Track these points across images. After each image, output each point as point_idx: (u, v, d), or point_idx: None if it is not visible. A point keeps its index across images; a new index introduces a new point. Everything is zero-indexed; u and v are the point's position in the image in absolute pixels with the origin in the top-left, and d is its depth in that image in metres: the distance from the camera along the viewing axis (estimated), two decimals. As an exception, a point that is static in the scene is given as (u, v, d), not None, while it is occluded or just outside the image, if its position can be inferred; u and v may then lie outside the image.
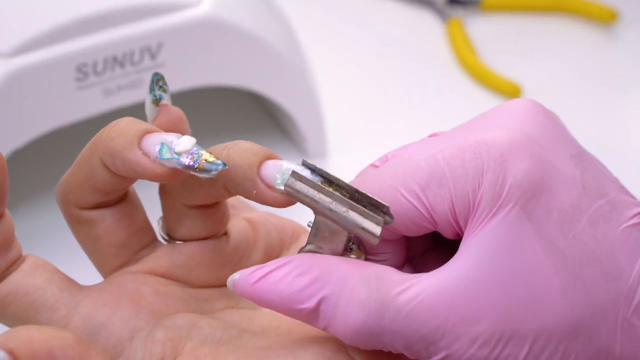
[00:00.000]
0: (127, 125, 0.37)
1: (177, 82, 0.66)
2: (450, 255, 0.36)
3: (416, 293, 0.35)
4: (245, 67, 0.68)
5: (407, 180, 0.36)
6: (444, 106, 0.82)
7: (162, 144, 0.36)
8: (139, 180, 0.38)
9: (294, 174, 0.36)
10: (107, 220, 0.39)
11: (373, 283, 0.35)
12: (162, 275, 0.40)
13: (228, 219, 0.40)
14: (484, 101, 0.82)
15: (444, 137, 0.37)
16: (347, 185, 0.36)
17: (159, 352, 0.37)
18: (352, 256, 0.37)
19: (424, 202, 0.36)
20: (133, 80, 0.65)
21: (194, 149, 0.36)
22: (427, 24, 0.90)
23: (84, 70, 0.63)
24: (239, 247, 0.40)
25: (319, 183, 0.36)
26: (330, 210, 0.36)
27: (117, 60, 0.64)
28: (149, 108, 0.39)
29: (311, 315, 0.36)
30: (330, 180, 0.37)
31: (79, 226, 0.39)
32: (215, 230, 0.40)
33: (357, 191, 0.36)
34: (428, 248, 0.40)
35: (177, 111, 0.39)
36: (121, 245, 0.39)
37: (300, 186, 0.36)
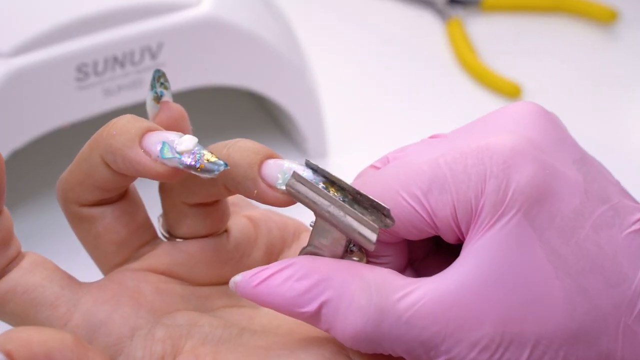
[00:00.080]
0: (128, 122, 0.37)
1: (177, 82, 0.66)
2: (452, 259, 0.36)
3: (417, 298, 0.35)
4: (245, 67, 0.68)
5: (409, 183, 0.36)
6: (444, 106, 0.82)
7: (164, 143, 0.36)
8: (139, 177, 0.38)
9: (295, 174, 0.36)
10: (107, 218, 0.39)
11: (373, 288, 0.35)
12: (163, 273, 0.40)
13: (228, 217, 0.40)
14: (484, 101, 0.82)
15: (445, 140, 0.37)
16: (348, 186, 0.36)
17: (159, 350, 0.37)
18: (354, 258, 0.37)
19: (426, 206, 0.36)
20: (133, 80, 0.65)
21: (196, 148, 0.36)
22: (427, 24, 0.90)
23: (84, 70, 0.63)
24: (239, 245, 0.40)
25: (321, 184, 0.36)
26: (329, 213, 0.36)
27: (118, 60, 0.64)
28: (150, 105, 0.39)
29: (313, 318, 0.36)
30: (332, 181, 0.37)
31: (79, 223, 0.39)
32: (215, 228, 0.40)
33: (358, 193, 0.36)
34: (429, 251, 0.40)
35: (178, 108, 0.39)
36: (121, 243, 0.39)
37: (301, 187, 0.36)
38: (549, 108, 0.38)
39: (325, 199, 0.36)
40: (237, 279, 0.37)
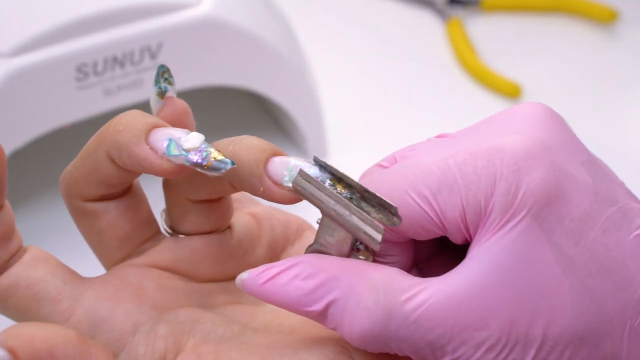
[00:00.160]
0: (134, 118, 0.36)
1: (177, 82, 0.65)
2: (458, 260, 0.36)
3: (424, 299, 0.35)
4: (245, 67, 0.68)
5: (417, 183, 0.36)
6: (444, 106, 0.82)
7: (170, 140, 0.36)
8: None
9: (302, 172, 0.36)
10: (111, 213, 0.39)
11: (381, 288, 0.35)
12: (165, 269, 0.39)
13: (232, 214, 0.40)
14: (484, 101, 0.82)
15: (453, 141, 0.37)
16: (356, 183, 0.36)
17: (162, 347, 0.37)
18: (361, 257, 0.37)
19: (434, 207, 0.35)
20: (133, 80, 0.65)
21: (203, 146, 0.36)
22: (427, 24, 0.90)
23: (84, 70, 0.63)
24: (242, 242, 0.40)
25: (327, 181, 0.36)
26: (335, 211, 0.36)
27: (117, 60, 0.64)
28: (154, 100, 0.39)
29: (320, 317, 0.36)
30: (339, 178, 0.36)
31: (82, 218, 0.39)
32: (219, 224, 0.40)
33: (366, 190, 0.36)
34: (435, 252, 0.40)
35: (182, 104, 0.39)
36: (125, 238, 0.39)
37: (307, 185, 0.36)
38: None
39: (332, 197, 0.36)
40: (244, 276, 0.37)
